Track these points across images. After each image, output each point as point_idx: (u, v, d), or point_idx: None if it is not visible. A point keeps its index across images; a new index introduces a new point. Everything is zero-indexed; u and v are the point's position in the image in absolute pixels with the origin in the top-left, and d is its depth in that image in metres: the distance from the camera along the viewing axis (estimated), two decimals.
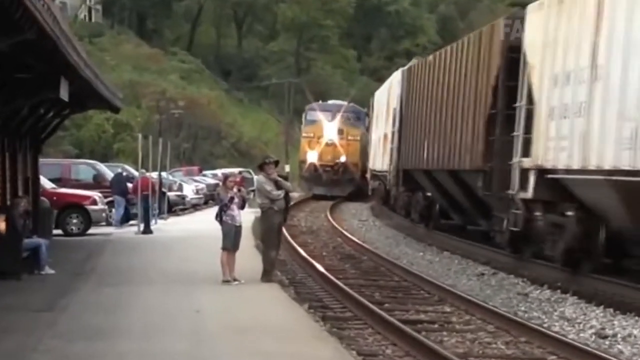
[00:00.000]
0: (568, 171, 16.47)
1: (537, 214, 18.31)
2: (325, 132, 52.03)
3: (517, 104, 19.11)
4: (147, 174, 29.02)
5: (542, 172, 17.72)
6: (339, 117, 52.44)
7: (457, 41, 25.64)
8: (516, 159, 18.96)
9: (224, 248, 15.59)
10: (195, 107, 72.39)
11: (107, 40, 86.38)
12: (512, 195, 19.04)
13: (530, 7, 18.93)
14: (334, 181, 51.27)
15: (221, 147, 77.04)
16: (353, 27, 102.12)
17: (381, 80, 74.73)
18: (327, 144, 51.68)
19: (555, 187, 17.28)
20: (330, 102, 58.95)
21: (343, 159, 51.33)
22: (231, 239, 15.58)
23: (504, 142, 19.81)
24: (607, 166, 14.92)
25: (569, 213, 16.95)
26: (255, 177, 28.70)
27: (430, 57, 29.11)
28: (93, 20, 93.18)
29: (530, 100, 18.44)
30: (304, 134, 54.03)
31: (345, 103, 55.91)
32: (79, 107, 23.37)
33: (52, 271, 16.73)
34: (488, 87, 21.24)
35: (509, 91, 19.89)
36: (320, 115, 53.15)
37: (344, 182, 51.35)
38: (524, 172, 18.51)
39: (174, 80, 79.37)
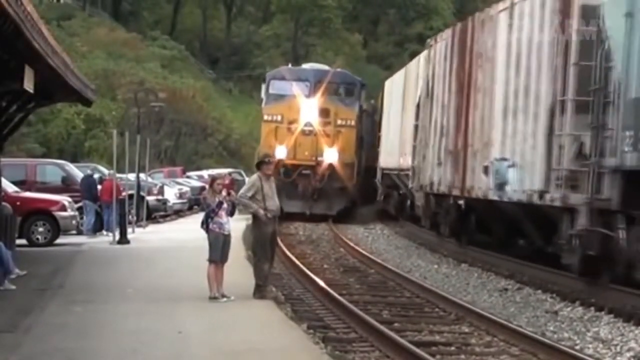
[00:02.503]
0: (385, 169, 40.07)
1: (389, 191, 40.59)
2: (300, 113, 39.00)
3: (380, 132, 43.03)
4: (123, 175, 29.04)
5: (382, 169, 40.80)
6: (321, 89, 39.24)
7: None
8: (378, 162, 42.23)
9: (210, 260, 15.58)
10: (178, 99, 72.39)
11: (78, 23, 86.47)
12: (377, 182, 42.64)
13: (386, 82, 44.23)
14: (315, 192, 39.13)
15: (207, 145, 77.06)
16: (358, 9, 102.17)
17: (390, 68, 74.82)
18: (303, 133, 38.86)
19: (388, 177, 39.29)
20: (306, 65, 43.86)
21: (330, 156, 39.06)
22: (219, 249, 15.57)
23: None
24: (391, 166, 37.79)
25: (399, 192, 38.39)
26: (246, 179, 28.52)
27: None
28: (62, 1, 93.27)
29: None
30: (265, 117, 39.91)
31: (329, 68, 42.52)
32: (45, 100, 23.39)
33: (13, 287, 16.71)
34: (378, 118, 45.38)
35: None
36: (291, 87, 39.48)
37: (332, 194, 39.23)
38: (380, 169, 41.50)
39: (154, 69, 79.38)
